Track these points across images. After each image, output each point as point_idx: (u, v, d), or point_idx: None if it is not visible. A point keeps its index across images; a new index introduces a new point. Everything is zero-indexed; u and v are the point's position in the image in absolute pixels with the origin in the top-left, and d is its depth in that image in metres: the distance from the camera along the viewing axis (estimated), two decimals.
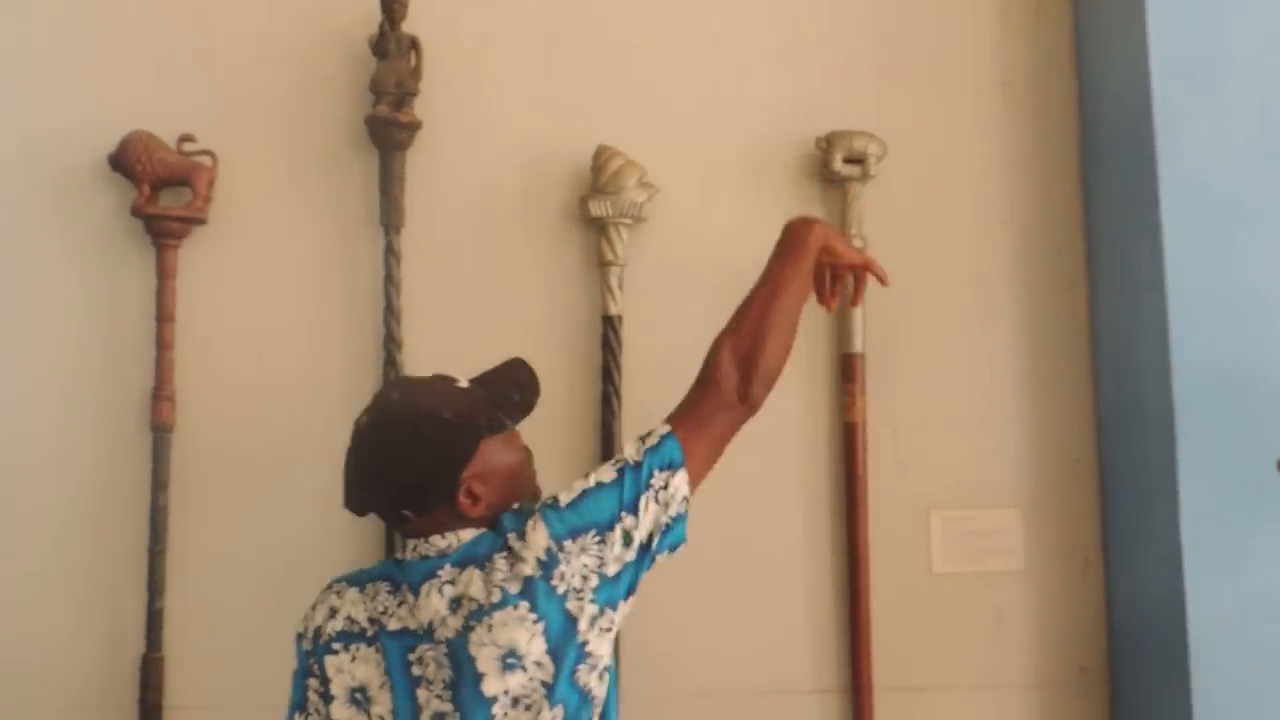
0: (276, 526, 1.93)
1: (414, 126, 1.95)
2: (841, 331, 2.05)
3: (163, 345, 1.91)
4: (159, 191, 1.92)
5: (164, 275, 1.92)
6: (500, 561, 1.38)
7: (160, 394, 1.90)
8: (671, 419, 1.51)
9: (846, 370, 2.05)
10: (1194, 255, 1.88)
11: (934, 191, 2.10)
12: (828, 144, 2.04)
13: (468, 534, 1.43)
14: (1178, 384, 1.86)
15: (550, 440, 1.87)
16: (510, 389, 1.53)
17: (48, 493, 1.89)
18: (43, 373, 1.89)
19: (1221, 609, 1.81)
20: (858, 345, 2.04)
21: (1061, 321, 2.12)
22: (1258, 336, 1.86)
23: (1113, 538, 2.05)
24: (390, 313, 1.94)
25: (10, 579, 1.88)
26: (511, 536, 1.41)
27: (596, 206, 1.97)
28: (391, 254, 1.94)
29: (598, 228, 1.99)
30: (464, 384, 1.50)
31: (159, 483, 1.88)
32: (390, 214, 1.95)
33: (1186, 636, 1.82)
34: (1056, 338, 2.11)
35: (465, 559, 1.41)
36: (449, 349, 1.92)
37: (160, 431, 1.89)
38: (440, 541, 1.43)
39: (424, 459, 1.42)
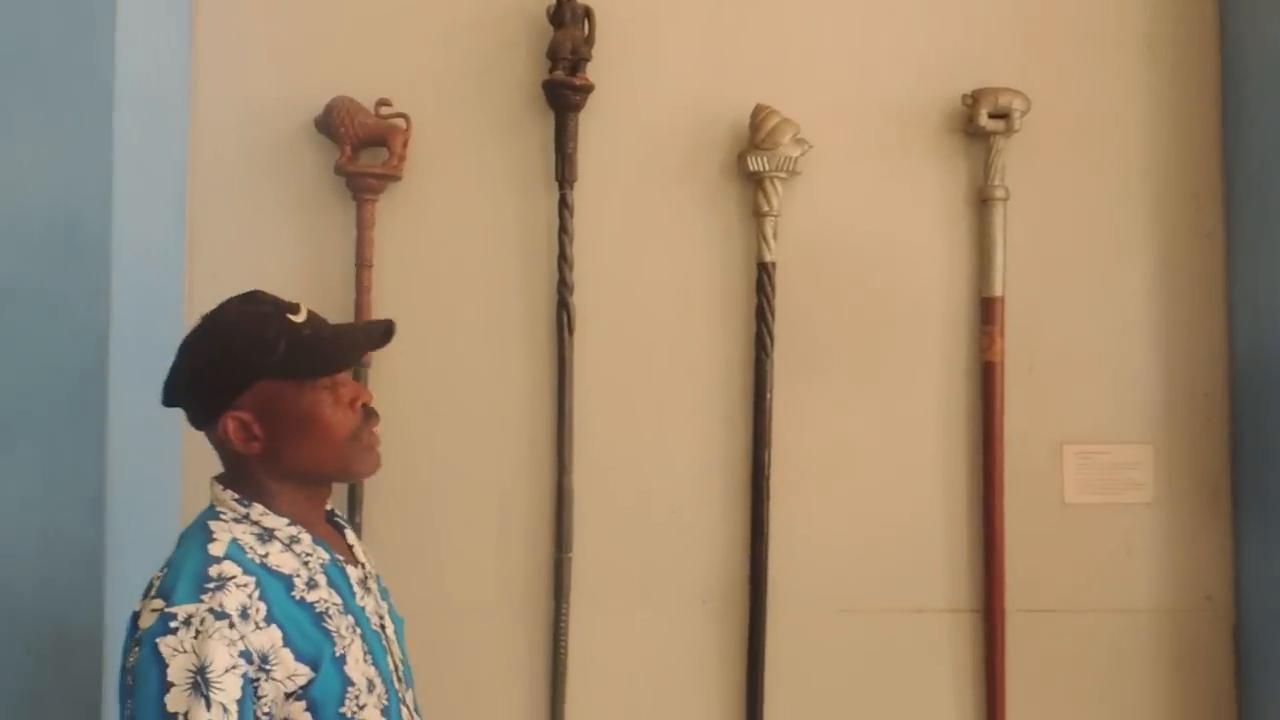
0: (460, 449, 2.33)
1: (587, 89, 2.28)
2: (983, 276, 2.35)
3: (362, 289, 2.29)
4: (359, 151, 2.28)
5: (363, 226, 2.29)
6: None
7: None
8: None
9: (986, 312, 2.35)
10: None
11: (1075, 144, 2.37)
12: (973, 100, 2.31)
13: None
14: None
15: (710, 374, 2.32)
16: (338, 343, 1.54)
17: None
18: None
19: None
20: (998, 289, 2.33)
21: (1196, 265, 2.38)
22: None
23: (1241, 472, 2.32)
24: (563, 259, 2.30)
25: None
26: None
27: (754, 161, 2.29)
28: (565, 206, 2.30)
29: (754, 181, 2.31)
30: (299, 317, 1.52)
31: None
32: (564, 170, 2.30)
33: None
34: (1191, 281, 2.38)
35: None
36: (617, 293, 2.34)
37: (362, 365, 2.27)
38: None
39: (191, 372, 1.49)
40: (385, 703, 1.49)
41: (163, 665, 1.34)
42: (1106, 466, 2.38)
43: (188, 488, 2.22)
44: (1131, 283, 2.37)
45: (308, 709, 1.41)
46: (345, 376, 1.54)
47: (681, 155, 2.36)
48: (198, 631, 1.35)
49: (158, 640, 1.35)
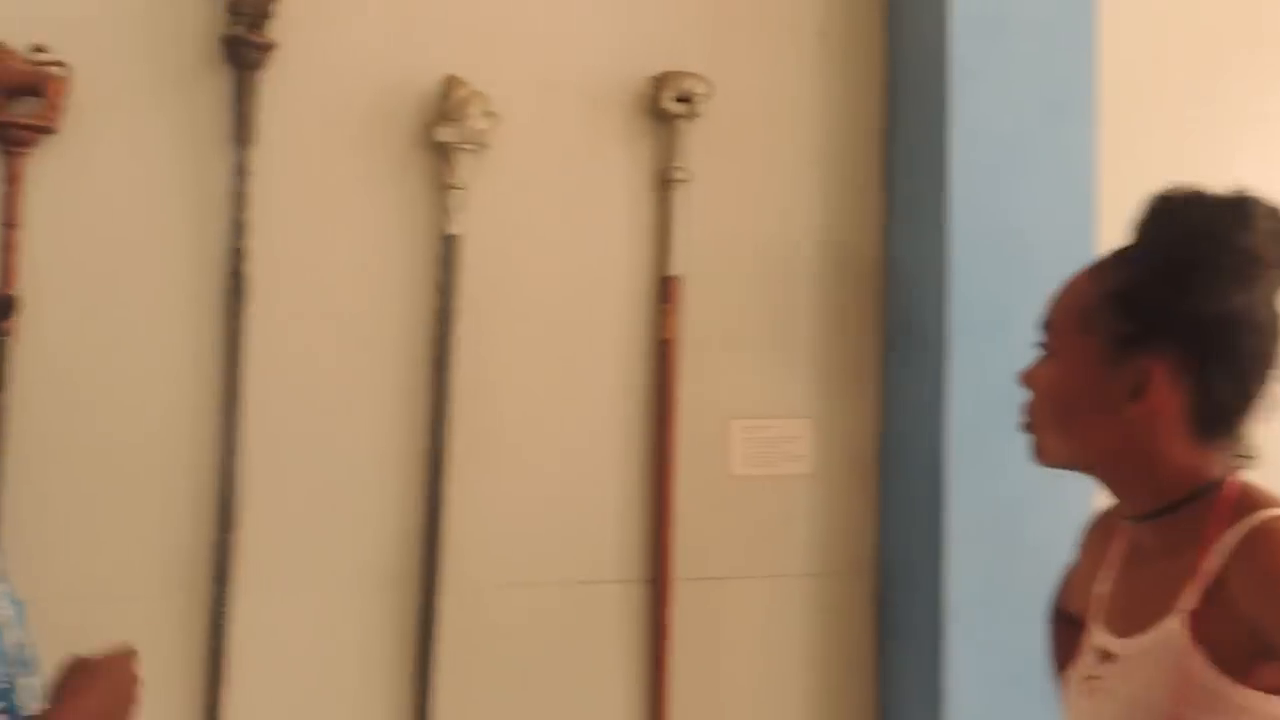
0: (117, 426, 2.29)
1: (268, 47, 2.28)
2: (662, 255, 2.55)
3: (9, 249, 2.21)
4: (10, 100, 2.18)
5: (11, 180, 2.21)
6: None
7: None
8: None
9: (664, 291, 2.53)
10: (974, 197, 2.45)
11: (754, 130, 2.59)
12: (659, 83, 2.48)
13: None
14: (951, 309, 2.44)
15: (392, 349, 2.39)
16: None
17: None
18: None
19: (976, 511, 2.44)
20: (675, 268, 2.53)
21: (858, 252, 2.67)
22: (1025, 274, 2.37)
23: (890, 445, 2.65)
24: (238, 226, 2.30)
25: None
26: None
27: (442, 132, 2.36)
28: (242, 170, 2.30)
29: (442, 153, 2.38)
30: None
31: None
32: (241, 130, 2.29)
33: (941, 534, 2.44)
34: (853, 265, 2.66)
35: None
36: (296, 263, 2.36)
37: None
38: None
39: None
40: (4, 685, 1.46)
41: None
42: (769, 440, 2.62)
43: None
44: (798, 266, 2.62)
45: None
46: None
47: (367, 122, 2.39)
48: None
49: None
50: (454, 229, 2.41)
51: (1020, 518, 2.46)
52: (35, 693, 1.54)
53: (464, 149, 2.39)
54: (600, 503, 2.53)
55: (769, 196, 2.60)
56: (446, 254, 2.41)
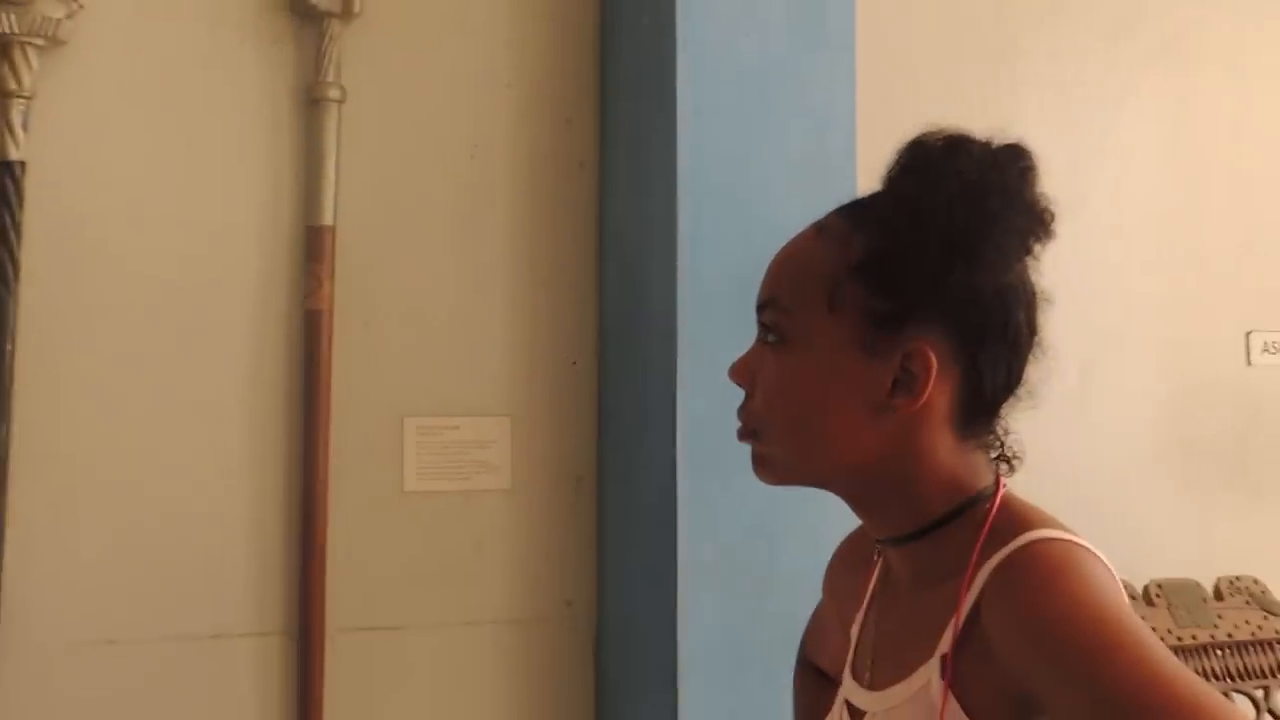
0: None
1: None
2: (309, 200, 2.24)
3: None
4: None
5: None
6: None
7: None
8: None
9: (313, 247, 2.25)
10: (711, 143, 2.20)
11: (431, 41, 2.34)
12: None
13: None
14: (683, 283, 2.18)
15: None
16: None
17: None
18: None
19: (712, 529, 2.18)
20: (328, 217, 2.25)
21: (568, 204, 2.43)
22: (769, 235, 2.14)
23: (608, 454, 2.40)
24: None
25: None
26: None
27: None
28: None
29: None
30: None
31: None
32: None
33: (675, 567, 2.17)
34: (561, 222, 2.42)
35: None
36: None
37: None
38: None
39: None
40: None
41: None
42: (456, 445, 2.37)
43: None
44: (492, 220, 2.38)
45: None
46: None
47: None
48: None
49: None
50: (15, 153, 2.08)
51: (771, 546, 2.23)
52: None
53: (30, 43, 2.07)
54: (225, 531, 2.23)
55: (447, 124, 2.36)
56: (3, 186, 2.08)
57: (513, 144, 2.40)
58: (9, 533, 2.06)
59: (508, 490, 2.40)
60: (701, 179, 2.21)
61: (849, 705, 1.27)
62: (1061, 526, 1.13)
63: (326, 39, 2.25)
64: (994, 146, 1.20)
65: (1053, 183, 1.14)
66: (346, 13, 2.23)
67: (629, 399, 2.35)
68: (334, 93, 2.24)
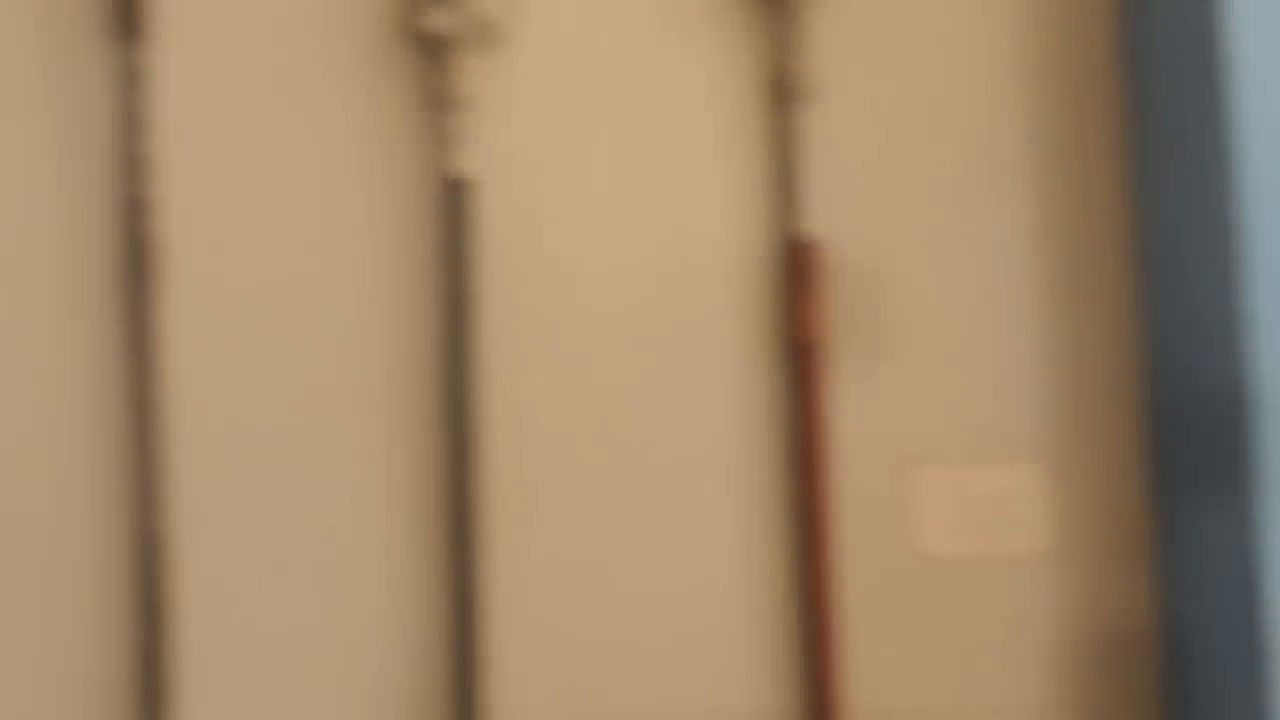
0: None
1: None
2: (786, 210, 2.03)
3: None
4: None
5: None
6: None
7: None
8: None
9: (800, 266, 2.00)
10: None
11: (923, 19, 2.12)
12: None
13: None
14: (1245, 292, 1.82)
15: (374, 351, 1.95)
16: None
17: None
18: None
19: None
20: (813, 231, 2.02)
21: (1098, 199, 2.12)
22: None
23: (1166, 501, 2.04)
24: (132, 163, 1.86)
25: None
26: None
27: (435, 19, 1.96)
28: (131, 76, 1.87)
29: (435, 51, 1.97)
30: None
31: None
32: (130, 18, 1.89)
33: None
34: (1093, 221, 2.12)
35: None
36: (218, 222, 1.94)
37: None
38: None
39: None
40: None
41: None
42: (981, 499, 2.07)
43: None
44: (1010, 223, 2.10)
45: None
46: None
47: (317, 7, 2.00)
48: None
49: None
50: (461, 169, 1.95)
51: None
52: None
53: (469, 44, 1.97)
54: (717, 604, 2.02)
55: (947, 109, 2.08)
56: (453, 208, 1.95)
57: (1027, 131, 2.13)
58: (493, 589, 1.99)
59: (1047, 552, 2.07)
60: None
61: None
62: None
63: (798, 24, 2.05)
64: None
65: None
66: None
67: (1188, 436, 1.99)
68: (810, 85, 2.03)
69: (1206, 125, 1.88)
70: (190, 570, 1.90)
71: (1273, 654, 1.81)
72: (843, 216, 2.05)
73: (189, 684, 1.90)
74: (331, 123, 1.99)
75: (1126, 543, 2.06)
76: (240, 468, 1.95)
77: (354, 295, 2.00)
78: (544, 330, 2.02)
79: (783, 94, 2.05)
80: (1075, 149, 2.11)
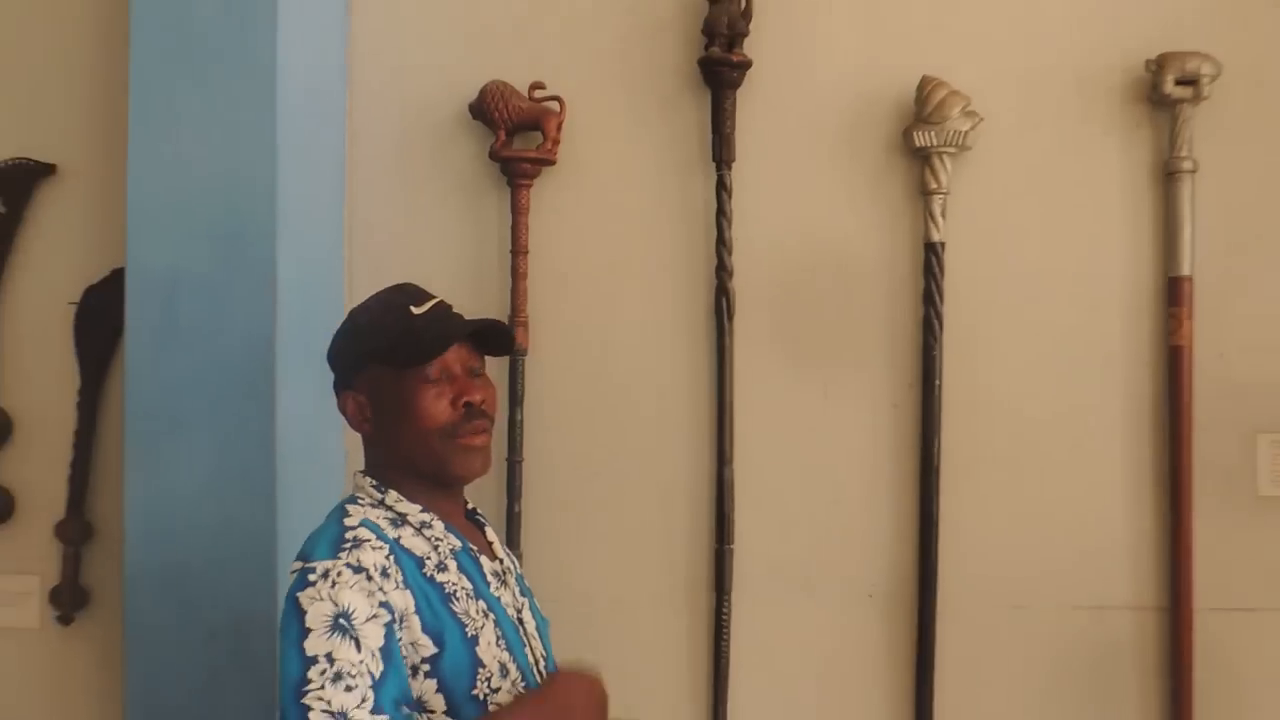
0: (616, 438, 2.67)
1: (744, 65, 2.58)
2: (1169, 255, 2.55)
3: (518, 275, 2.65)
4: (513, 136, 2.63)
5: (518, 212, 2.64)
6: None
7: (516, 319, 2.64)
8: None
9: (1173, 294, 2.55)
10: None
11: (1270, 111, 2.55)
12: (1159, 65, 2.51)
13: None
14: None
15: (876, 360, 2.58)
16: (435, 335, 1.77)
17: None
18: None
19: None
20: (1185, 268, 2.54)
21: None
22: None
23: None
24: (722, 243, 2.61)
25: None
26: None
27: (921, 137, 2.54)
28: (723, 188, 2.60)
29: (921, 157, 2.57)
30: (421, 309, 1.79)
31: (515, 399, 2.63)
32: (721, 150, 2.60)
33: None
34: None
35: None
36: (777, 278, 2.63)
37: (517, 354, 2.62)
38: None
39: (333, 346, 1.87)
40: (523, 690, 1.75)
41: (301, 614, 1.60)
42: None
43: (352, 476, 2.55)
44: None
45: (439, 689, 1.68)
46: (463, 372, 1.81)
47: (843, 132, 2.63)
48: (334, 582, 1.61)
49: (297, 594, 1.62)
50: (937, 235, 2.57)
51: None
52: None
53: (945, 152, 2.55)
54: (1106, 524, 2.58)
55: None
56: (930, 261, 2.58)
57: None
58: (945, 509, 2.57)
59: None
60: None
61: None
62: None
63: (1179, 121, 2.52)
64: None
65: None
66: (1196, 96, 2.49)
67: None
68: (1187, 165, 2.51)
69: None
70: (748, 504, 2.64)
71: None
72: (1209, 261, 2.55)
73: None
74: (853, 208, 2.65)
75: None
76: (786, 436, 2.66)
77: (866, 322, 2.65)
78: (993, 342, 2.61)
79: (1167, 174, 2.56)
80: None
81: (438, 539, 1.79)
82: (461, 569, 1.78)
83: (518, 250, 2.64)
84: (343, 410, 1.85)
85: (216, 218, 2.45)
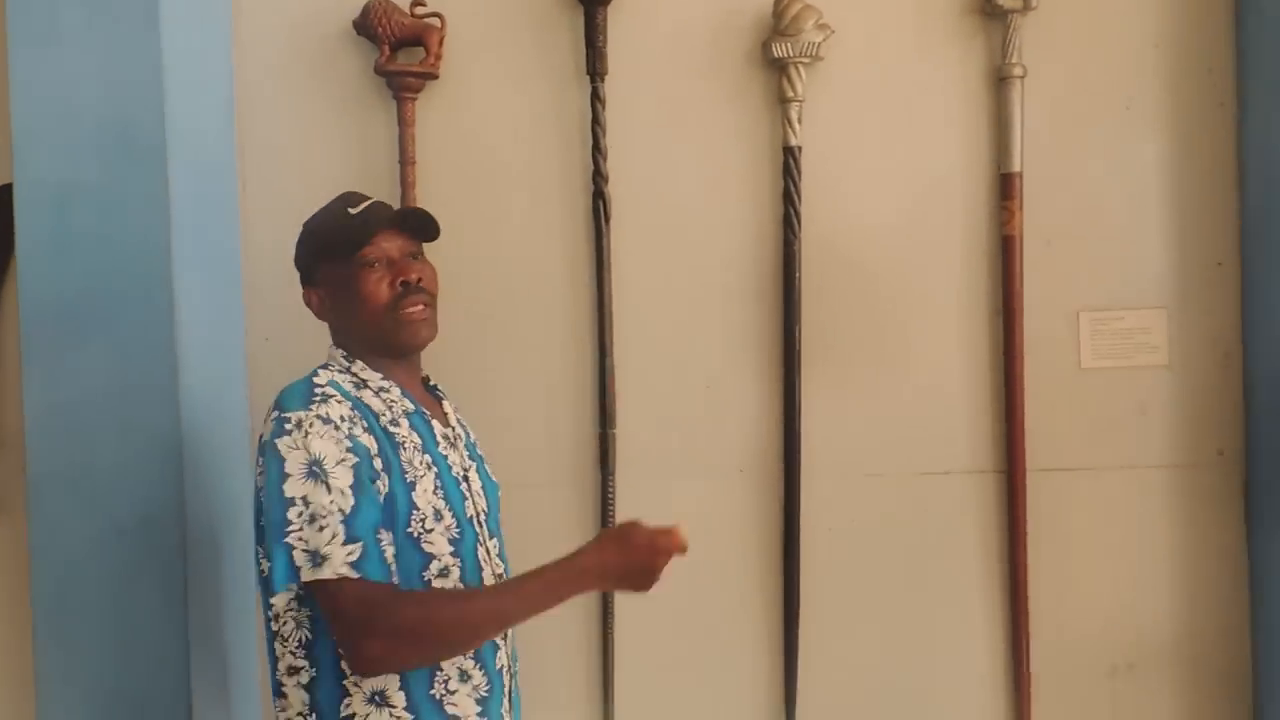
0: (504, 334, 2.65)
1: None
2: (1001, 152, 2.62)
3: (406, 185, 2.61)
4: (397, 51, 2.58)
5: (404, 124, 2.60)
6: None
7: None
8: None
9: (1005, 188, 2.63)
10: None
11: (1091, 20, 2.63)
12: None
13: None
14: None
15: (741, 255, 2.59)
16: (361, 225, 1.91)
17: None
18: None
19: None
20: (1016, 165, 2.61)
21: (1209, 137, 2.65)
22: None
23: (1252, 332, 2.63)
24: (598, 151, 2.61)
25: None
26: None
27: (778, 48, 2.56)
28: (597, 99, 2.60)
29: (779, 67, 2.59)
30: (356, 209, 1.93)
31: None
32: (595, 63, 2.59)
33: None
34: (1203, 152, 2.65)
35: None
36: (649, 182, 2.63)
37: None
38: None
39: (295, 251, 2.01)
40: (455, 535, 1.88)
41: (280, 460, 1.77)
42: (1121, 332, 2.66)
43: (253, 381, 2.52)
44: (1145, 154, 2.66)
45: None
46: (401, 258, 1.92)
47: (707, 45, 2.63)
48: (306, 432, 1.77)
49: (275, 440, 1.79)
50: (794, 140, 2.60)
51: None
52: (496, 554, 2.01)
53: (800, 62, 2.58)
54: (950, 397, 2.66)
55: (1108, 88, 2.64)
56: (788, 164, 2.61)
57: (1160, 93, 2.64)
58: (805, 398, 2.61)
59: (1166, 365, 2.66)
60: None
61: None
62: None
63: (1010, 30, 2.59)
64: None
65: None
66: (1025, 7, 2.56)
67: (1268, 291, 2.57)
68: (1017, 70, 2.59)
69: None
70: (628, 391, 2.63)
71: None
72: (1037, 157, 2.61)
73: None
74: (717, 118, 2.64)
75: (1221, 358, 2.65)
76: (661, 328, 2.65)
77: (731, 220, 2.65)
78: (848, 236, 2.64)
79: (999, 79, 2.61)
80: (1195, 105, 2.65)
81: (393, 401, 1.92)
82: (413, 427, 1.91)
83: (405, 160, 2.59)
84: (308, 304, 1.99)
85: (105, 130, 2.35)
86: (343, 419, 1.80)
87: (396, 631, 1.73)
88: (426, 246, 2.01)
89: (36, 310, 2.37)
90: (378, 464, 1.81)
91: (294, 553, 1.75)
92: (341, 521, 1.74)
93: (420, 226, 1.98)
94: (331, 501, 1.74)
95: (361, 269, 1.90)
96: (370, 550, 1.75)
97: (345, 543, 1.74)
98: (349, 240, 1.90)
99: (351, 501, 1.75)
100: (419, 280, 1.93)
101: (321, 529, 1.74)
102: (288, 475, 1.77)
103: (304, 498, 1.75)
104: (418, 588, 1.83)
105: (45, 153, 2.35)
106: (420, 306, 1.93)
